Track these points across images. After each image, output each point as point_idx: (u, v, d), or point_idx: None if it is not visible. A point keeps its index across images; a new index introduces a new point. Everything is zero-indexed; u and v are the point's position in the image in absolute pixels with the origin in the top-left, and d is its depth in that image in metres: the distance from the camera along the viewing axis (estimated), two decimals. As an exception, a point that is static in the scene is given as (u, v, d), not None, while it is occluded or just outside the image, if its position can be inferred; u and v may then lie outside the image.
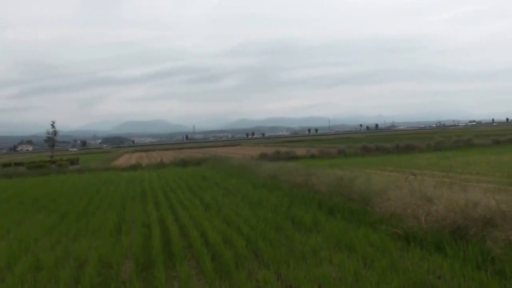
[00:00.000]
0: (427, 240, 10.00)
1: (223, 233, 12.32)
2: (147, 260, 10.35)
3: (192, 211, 16.81)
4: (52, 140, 77.74)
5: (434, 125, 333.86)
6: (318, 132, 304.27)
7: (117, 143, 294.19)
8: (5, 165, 60.28)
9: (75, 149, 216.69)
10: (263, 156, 50.96)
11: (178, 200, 20.60)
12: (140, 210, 18.26)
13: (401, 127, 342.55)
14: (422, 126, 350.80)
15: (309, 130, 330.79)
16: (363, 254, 9.43)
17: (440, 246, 9.54)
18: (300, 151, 56.45)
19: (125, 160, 74.59)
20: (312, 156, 51.26)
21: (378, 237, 10.63)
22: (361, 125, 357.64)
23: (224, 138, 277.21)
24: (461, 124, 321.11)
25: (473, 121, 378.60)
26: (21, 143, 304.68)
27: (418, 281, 7.69)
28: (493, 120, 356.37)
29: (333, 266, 8.92)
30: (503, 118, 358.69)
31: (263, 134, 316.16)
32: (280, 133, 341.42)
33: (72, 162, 62.59)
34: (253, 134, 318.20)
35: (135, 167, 51.38)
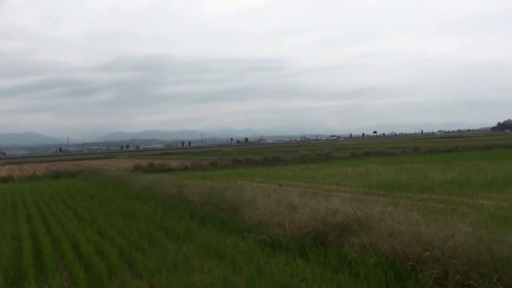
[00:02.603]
0: (291, 246, 10.61)
1: (97, 244, 12.21)
2: (17, 273, 10.03)
3: (65, 223, 16.38)
4: None
5: (299, 139, 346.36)
6: (191, 145, 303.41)
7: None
8: None
9: None
10: (137, 168, 50.23)
11: (51, 212, 19.90)
12: (11, 223, 17.45)
13: (269, 141, 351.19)
14: (288, 139, 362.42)
15: (182, 143, 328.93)
16: (233, 261, 9.83)
17: (303, 251, 10.16)
18: (173, 163, 56.26)
19: (-5, 172, 69.49)
20: (185, 168, 51.32)
21: (247, 245, 11.10)
22: (231, 139, 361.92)
23: (98, 151, 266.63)
24: (323, 138, 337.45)
25: (334, 135, 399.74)
26: None
27: (283, 284, 8.14)
28: (350, 135, 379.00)
29: (204, 274, 9.18)
30: (360, 133, 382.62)
31: (137, 147, 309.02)
32: (155, 146, 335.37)
33: None
34: (127, 146, 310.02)
35: (6, 179, 48.22)
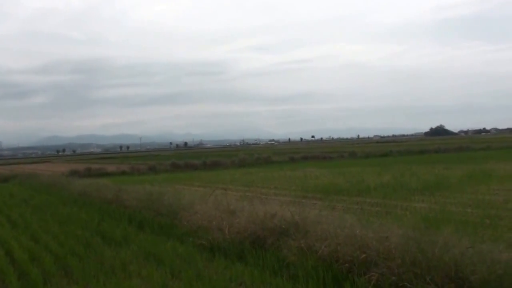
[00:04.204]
0: (230, 250, 10.64)
1: (31, 251, 11.86)
2: None
3: (-2, 229, 15.82)
4: None
5: (238, 143, 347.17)
6: (129, 149, 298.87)
7: None
8: None
9: None
10: (74, 173, 49.01)
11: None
12: None
13: (209, 145, 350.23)
14: (227, 144, 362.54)
15: (120, 147, 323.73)
16: (171, 266, 9.74)
17: (242, 255, 10.20)
18: (111, 167, 55.19)
19: None
20: (123, 173, 50.45)
21: (185, 249, 11.06)
22: (171, 143, 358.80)
23: (33, 155, 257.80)
24: (262, 143, 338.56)
25: (273, 140, 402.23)
26: None
27: (222, 288, 8.16)
28: (289, 139, 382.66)
29: (142, 279, 9.07)
30: (298, 138, 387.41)
31: (74, 151, 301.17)
32: (92, 150, 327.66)
33: None
34: (64, 150, 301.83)
35: None
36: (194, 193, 20.21)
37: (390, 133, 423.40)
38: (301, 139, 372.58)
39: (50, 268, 10.05)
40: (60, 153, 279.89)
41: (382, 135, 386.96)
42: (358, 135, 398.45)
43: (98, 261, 10.60)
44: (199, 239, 11.77)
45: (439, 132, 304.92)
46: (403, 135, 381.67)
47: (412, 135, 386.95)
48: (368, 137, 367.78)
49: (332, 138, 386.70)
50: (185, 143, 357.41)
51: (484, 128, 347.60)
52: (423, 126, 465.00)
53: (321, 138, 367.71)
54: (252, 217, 11.67)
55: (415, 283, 7.28)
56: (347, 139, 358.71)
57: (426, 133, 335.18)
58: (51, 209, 20.10)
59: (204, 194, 17.79)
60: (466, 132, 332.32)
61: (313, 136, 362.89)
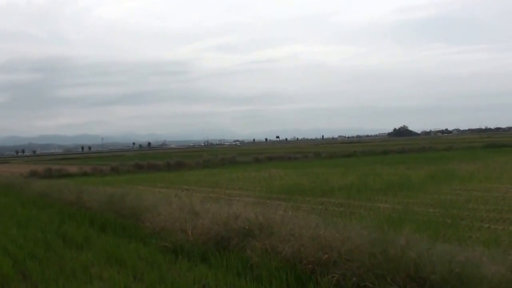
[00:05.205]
0: (194, 252, 10.55)
1: (-13, 255, 11.54)
2: None
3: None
4: None
5: (202, 144, 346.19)
6: (91, 149, 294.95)
7: None
8: None
9: None
10: (33, 174, 48.03)
11: None
12: None
13: (173, 145, 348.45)
14: (191, 144, 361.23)
15: (82, 147, 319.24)
16: (133, 268, 9.61)
17: (205, 257, 10.12)
18: (72, 168, 54.22)
19: None
20: (85, 174, 49.66)
21: (148, 251, 10.92)
22: (133, 143, 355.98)
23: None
24: (226, 143, 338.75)
25: (237, 140, 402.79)
26: None
27: (185, 291, 8.08)
28: (254, 139, 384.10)
29: (103, 282, 8.94)
30: (263, 138, 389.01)
31: (34, 152, 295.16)
32: (53, 151, 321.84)
33: None
34: (23, 151, 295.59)
35: None
36: (157, 194, 20.07)
37: (354, 134, 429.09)
38: (266, 139, 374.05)
39: (8, 272, 9.81)
40: (20, 153, 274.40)
41: (346, 136, 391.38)
42: (323, 136, 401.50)
43: (58, 264, 10.38)
44: (162, 241, 11.65)
45: (402, 132, 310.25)
46: (367, 136, 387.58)
47: (376, 135, 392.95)
48: (333, 138, 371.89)
49: (297, 139, 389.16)
50: (149, 144, 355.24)
51: (446, 129, 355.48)
52: (387, 126, 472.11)
53: (286, 139, 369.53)
54: (216, 218, 11.61)
55: (376, 283, 7.33)
56: (311, 139, 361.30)
57: (389, 134, 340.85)
58: (9, 211, 19.63)
59: (167, 195, 17.63)
60: (429, 132, 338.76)
61: (277, 137, 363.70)
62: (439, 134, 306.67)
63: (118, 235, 13.32)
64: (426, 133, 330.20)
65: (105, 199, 18.25)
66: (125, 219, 15.28)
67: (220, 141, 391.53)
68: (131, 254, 10.75)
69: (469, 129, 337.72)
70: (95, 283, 8.87)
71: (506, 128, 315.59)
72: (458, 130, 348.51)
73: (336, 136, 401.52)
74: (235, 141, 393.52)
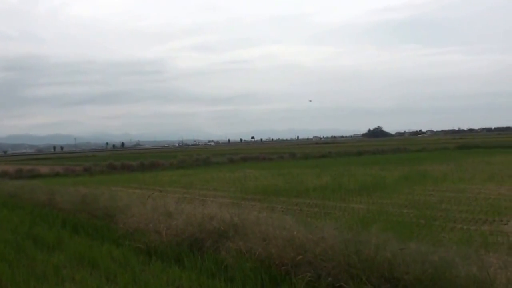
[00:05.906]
0: (167, 253, 10.47)
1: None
2: None
3: None
4: None
5: (177, 144, 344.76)
6: (63, 150, 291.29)
7: None
8: None
9: None
10: (3, 175, 47.12)
11: None
12: None
13: (147, 146, 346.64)
14: (166, 145, 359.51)
15: (54, 147, 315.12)
16: (106, 270, 9.48)
17: (179, 258, 10.02)
18: (44, 169, 53.40)
19: None
20: (57, 174, 48.95)
21: (121, 253, 10.78)
22: (107, 144, 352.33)
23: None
24: (201, 144, 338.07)
25: (212, 141, 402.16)
26: None
27: (158, 292, 8.00)
28: (229, 140, 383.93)
29: (75, 284, 8.80)
30: (237, 138, 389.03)
31: (5, 152, 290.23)
32: (24, 151, 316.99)
33: None
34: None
35: None
36: (131, 195, 19.92)
37: (329, 134, 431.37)
38: (241, 140, 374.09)
39: (-23, 274, 9.56)
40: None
41: (321, 136, 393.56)
42: (298, 136, 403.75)
43: (29, 266, 10.18)
44: (135, 242, 11.51)
45: (377, 133, 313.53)
46: (342, 136, 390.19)
47: (351, 136, 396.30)
48: (308, 138, 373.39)
49: (272, 139, 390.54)
50: (122, 144, 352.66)
51: (420, 130, 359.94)
52: (362, 127, 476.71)
53: (261, 139, 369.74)
54: (190, 219, 11.52)
55: (351, 283, 7.35)
56: (286, 140, 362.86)
57: (364, 135, 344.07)
58: (-22, 213, 19.19)
59: (141, 196, 17.52)
60: (403, 133, 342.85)
61: (252, 137, 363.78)
62: (413, 135, 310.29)
63: (91, 236, 13.13)
64: (400, 134, 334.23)
65: (78, 200, 18.00)
66: (98, 220, 15.10)
67: (195, 141, 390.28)
68: (104, 255, 10.60)
69: (442, 130, 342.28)
70: (67, 285, 8.73)
71: (479, 129, 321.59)
72: (431, 131, 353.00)
73: (311, 136, 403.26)
74: (209, 141, 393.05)
